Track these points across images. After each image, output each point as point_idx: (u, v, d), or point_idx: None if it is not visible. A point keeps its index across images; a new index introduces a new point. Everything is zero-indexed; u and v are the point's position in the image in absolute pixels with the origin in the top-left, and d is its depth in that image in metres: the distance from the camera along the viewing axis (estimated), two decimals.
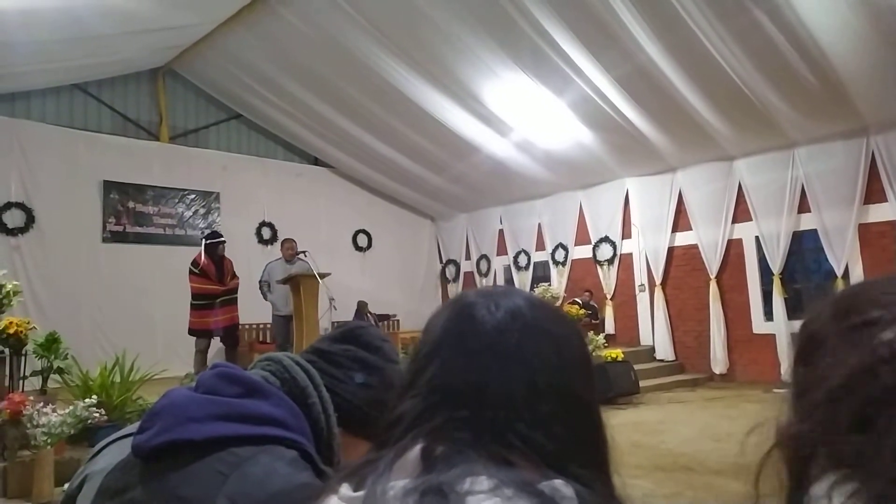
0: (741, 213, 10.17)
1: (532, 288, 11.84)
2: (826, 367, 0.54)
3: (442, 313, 0.76)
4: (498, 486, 0.58)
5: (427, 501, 0.57)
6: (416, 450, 0.64)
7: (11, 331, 5.62)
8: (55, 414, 4.88)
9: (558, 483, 0.59)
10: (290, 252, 8.44)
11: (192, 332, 8.14)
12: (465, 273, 14.60)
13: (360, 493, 0.64)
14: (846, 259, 8.97)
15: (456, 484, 0.58)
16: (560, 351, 0.71)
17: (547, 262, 12.87)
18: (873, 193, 8.88)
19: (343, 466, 0.72)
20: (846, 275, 8.92)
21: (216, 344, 11.04)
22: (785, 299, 9.57)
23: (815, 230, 9.28)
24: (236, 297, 8.19)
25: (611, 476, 0.68)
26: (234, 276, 8.25)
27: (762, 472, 0.58)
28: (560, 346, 0.71)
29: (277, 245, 10.45)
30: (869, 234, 8.91)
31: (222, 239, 8.28)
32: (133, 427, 0.96)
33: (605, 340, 9.43)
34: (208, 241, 8.23)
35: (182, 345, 10.30)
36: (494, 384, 0.67)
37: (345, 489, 0.66)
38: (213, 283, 8.00)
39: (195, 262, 8.11)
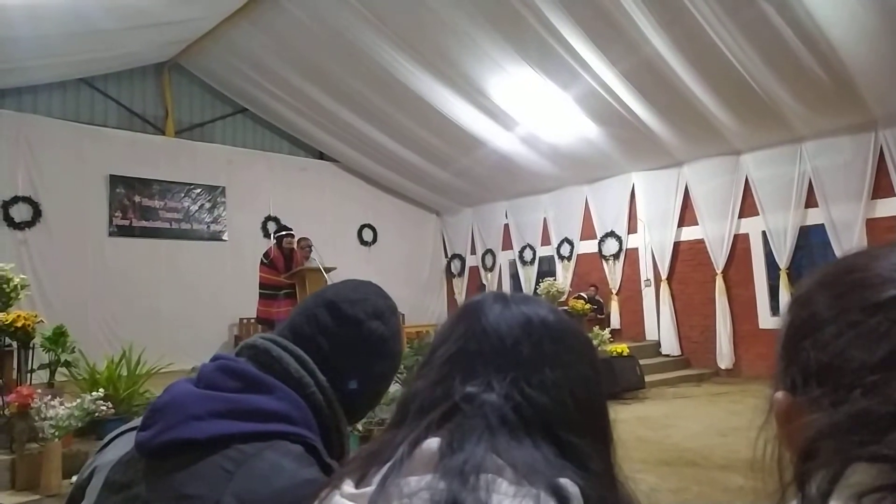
0: (748, 207, 10.12)
1: (537, 282, 11.83)
2: (835, 358, 0.51)
3: (505, 314, 0.76)
4: (517, 485, 0.59)
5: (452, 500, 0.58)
6: (433, 444, 0.64)
7: (19, 324, 5.65)
8: (63, 407, 4.90)
9: (564, 482, 0.60)
10: (307, 251, 8.42)
11: (258, 320, 8.64)
12: (471, 268, 14.60)
13: (365, 490, 0.63)
14: None
15: (479, 482, 0.59)
16: (592, 357, 0.77)
17: (552, 256, 12.86)
18: (881, 188, 8.82)
19: (347, 461, 0.72)
20: None
21: (222, 338, 11.16)
22: (791, 295, 9.49)
23: (823, 225, 9.23)
24: None
25: (616, 473, 0.71)
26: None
27: (776, 466, 0.56)
28: (591, 352, 0.78)
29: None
30: (877, 229, 8.85)
31: (289, 232, 8.53)
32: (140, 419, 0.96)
33: (610, 335, 9.43)
34: (277, 234, 8.68)
35: (188, 338, 10.38)
36: (564, 399, 0.69)
37: (347, 486, 0.65)
38: (280, 274, 8.21)
39: (267, 254, 8.43)
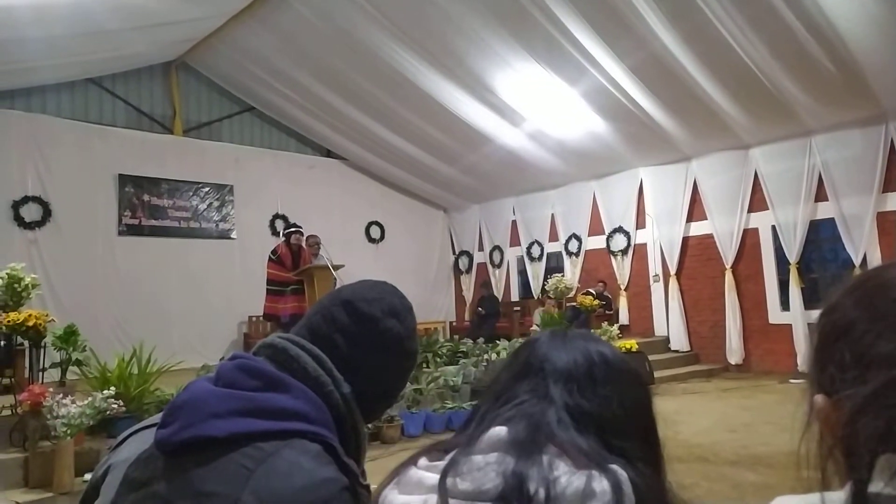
0: (757, 201, 10.07)
1: (545, 278, 11.81)
2: (868, 348, 0.56)
3: (567, 346, 0.88)
4: (573, 467, 0.71)
5: (517, 475, 0.70)
6: (500, 430, 0.76)
7: (31, 323, 5.67)
8: (74, 405, 4.94)
9: (615, 466, 0.72)
10: (315, 248, 8.48)
11: (265, 316, 8.77)
12: (478, 264, 14.60)
13: (438, 463, 0.77)
14: (864, 248, 8.87)
15: (541, 459, 0.72)
16: (642, 384, 0.89)
17: (560, 252, 12.83)
18: (892, 181, 8.76)
19: (425, 447, 0.84)
20: (864, 264, 8.82)
21: (232, 336, 11.21)
22: (801, 289, 9.48)
23: (833, 219, 9.17)
24: None
25: (664, 474, 0.83)
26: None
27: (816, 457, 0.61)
28: (640, 380, 0.90)
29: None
30: (887, 223, 8.80)
31: (297, 229, 8.62)
32: (155, 418, 0.97)
33: (619, 331, 9.40)
34: (285, 231, 8.85)
35: (198, 336, 10.43)
36: (613, 410, 0.81)
37: (423, 461, 0.80)
38: (287, 271, 8.26)
39: (275, 251, 8.54)
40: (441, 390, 7.27)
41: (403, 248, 13.89)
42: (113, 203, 10.52)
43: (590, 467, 0.71)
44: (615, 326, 9.38)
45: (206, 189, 11.51)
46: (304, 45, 9.66)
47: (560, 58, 8.62)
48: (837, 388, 0.58)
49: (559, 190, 12.73)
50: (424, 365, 7.69)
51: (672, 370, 9.89)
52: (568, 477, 0.69)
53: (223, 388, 0.92)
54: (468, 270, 14.76)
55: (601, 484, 0.69)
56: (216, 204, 11.62)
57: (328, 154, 13.32)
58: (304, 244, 8.51)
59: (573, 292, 11.06)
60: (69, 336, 6.28)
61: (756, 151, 9.97)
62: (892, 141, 8.70)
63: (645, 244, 11.56)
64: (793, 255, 9.56)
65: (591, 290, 11.07)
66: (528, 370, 0.85)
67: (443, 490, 0.72)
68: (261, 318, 10.13)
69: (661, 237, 11.22)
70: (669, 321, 11.04)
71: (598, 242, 12.18)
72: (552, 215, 12.99)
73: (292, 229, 8.66)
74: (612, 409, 0.80)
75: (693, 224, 10.88)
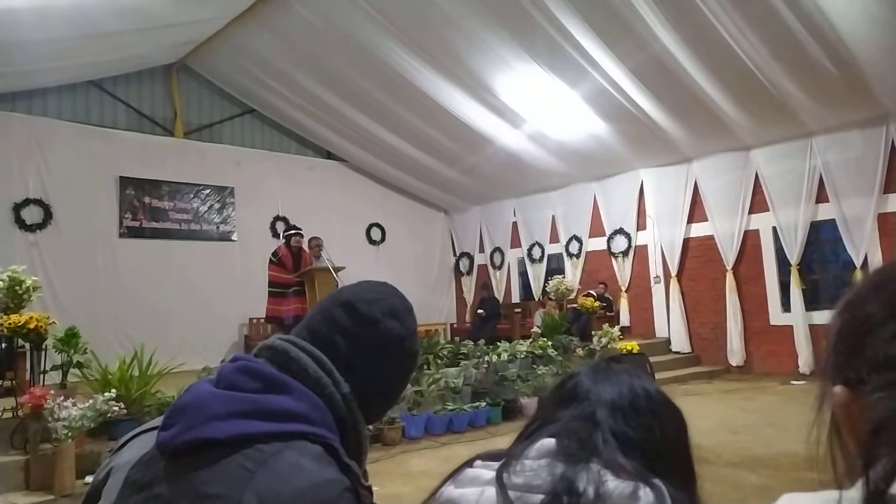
0: (758, 203, 10.06)
1: (546, 280, 11.81)
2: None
3: (615, 379, 0.93)
4: (618, 479, 0.77)
5: (566, 478, 0.77)
6: (550, 441, 0.83)
7: (32, 326, 5.68)
8: (75, 408, 4.94)
9: (658, 481, 0.77)
10: (317, 250, 8.50)
11: (268, 319, 8.80)
12: (479, 266, 14.59)
13: (492, 463, 0.84)
14: (865, 249, 8.86)
15: (589, 468, 0.78)
16: (681, 421, 0.94)
17: (561, 254, 12.83)
18: (893, 182, 8.76)
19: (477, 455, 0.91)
20: (865, 265, 8.82)
21: (232, 338, 11.20)
22: (802, 290, 9.47)
23: (834, 220, 9.17)
24: None
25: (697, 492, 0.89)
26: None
27: (829, 456, 0.60)
28: (681, 418, 0.94)
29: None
30: (888, 224, 8.79)
31: (298, 231, 8.65)
32: (157, 420, 0.97)
33: (620, 333, 9.39)
34: (285, 233, 8.89)
35: (199, 338, 10.43)
36: (655, 438, 0.86)
37: (478, 462, 0.87)
38: (288, 273, 8.29)
39: (276, 253, 8.56)
40: (442, 392, 7.27)
41: (404, 249, 13.89)
42: (114, 205, 10.52)
43: (635, 480, 0.77)
44: (616, 328, 9.37)
45: (207, 191, 11.52)
46: (305, 47, 9.67)
47: (561, 59, 8.63)
48: (867, 387, 0.57)
49: (560, 191, 12.73)
50: (425, 367, 7.68)
51: (673, 372, 9.87)
52: (616, 482, 0.76)
53: (224, 391, 0.92)
54: (469, 272, 14.75)
55: (646, 494, 0.75)
56: (217, 206, 11.63)
57: (329, 156, 13.33)
58: (304, 246, 8.53)
59: (574, 294, 11.06)
60: (70, 338, 6.28)
61: (757, 153, 9.97)
62: (892, 142, 8.69)
63: (646, 245, 11.55)
64: (794, 256, 9.55)
65: (591, 292, 11.05)
66: (573, 398, 0.91)
67: (500, 481, 0.80)
68: (261, 320, 10.14)
69: (662, 238, 11.21)
70: (670, 323, 11.03)
71: (598, 244, 12.17)
72: (553, 217, 12.98)
73: (292, 231, 8.67)
74: (655, 438, 0.86)
75: (694, 225, 10.88)
